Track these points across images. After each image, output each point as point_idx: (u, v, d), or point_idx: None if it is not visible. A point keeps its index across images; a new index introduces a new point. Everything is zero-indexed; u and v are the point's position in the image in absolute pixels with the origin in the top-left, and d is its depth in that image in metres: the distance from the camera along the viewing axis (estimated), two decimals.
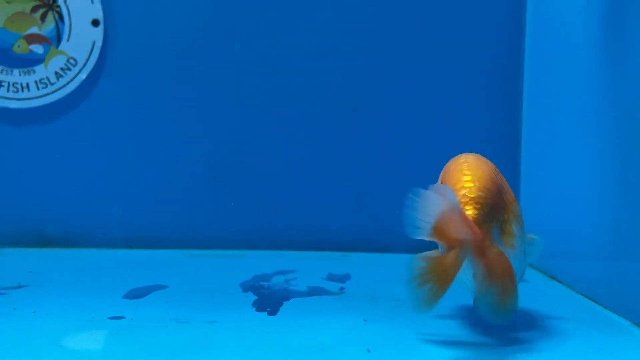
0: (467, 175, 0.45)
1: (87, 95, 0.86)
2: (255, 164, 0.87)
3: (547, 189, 0.74)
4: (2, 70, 0.83)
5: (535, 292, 0.63)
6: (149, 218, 0.87)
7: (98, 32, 0.84)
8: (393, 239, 0.86)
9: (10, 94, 0.84)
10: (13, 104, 0.84)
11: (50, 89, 0.84)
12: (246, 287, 0.62)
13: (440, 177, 0.51)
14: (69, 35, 0.84)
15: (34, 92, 0.84)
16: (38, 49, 0.84)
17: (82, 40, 0.84)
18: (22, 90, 0.84)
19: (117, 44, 0.86)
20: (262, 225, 0.87)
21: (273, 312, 0.53)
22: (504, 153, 0.85)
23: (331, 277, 0.67)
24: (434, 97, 0.86)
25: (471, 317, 0.53)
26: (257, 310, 0.53)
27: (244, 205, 0.87)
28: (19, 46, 0.84)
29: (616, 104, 0.56)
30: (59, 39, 0.84)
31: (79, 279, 0.65)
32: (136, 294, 0.58)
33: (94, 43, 0.85)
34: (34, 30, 0.84)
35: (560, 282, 0.67)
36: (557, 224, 0.68)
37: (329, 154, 0.86)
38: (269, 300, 0.57)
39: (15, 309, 0.52)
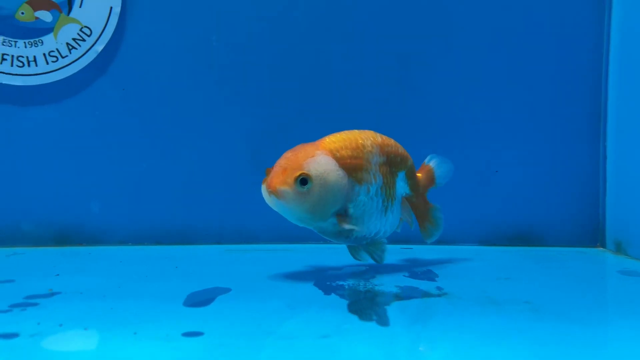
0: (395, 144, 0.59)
1: (103, 70, 0.74)
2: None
3: None
4: (4, 41, 0.71)
5: None
6: (180, 210, 0.75)
7: None
8: (456, 230, 0.77)
9: (14, 69, 0.72)
10: (17, 81, 0.72)
11: (60, 63, 0.72)
12: (324, 287, 0.51)
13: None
14: None
15: (42, 66, 0.72)
16: (46, 16, 0.72)
17: (98, 6, 0.72)
18: (29, 64, 0.72)
19: (138, 10, 0.74)
20: None
21: (387, 321, 0.42)
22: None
23: (415, 275, 0.57)
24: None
25: None
26: (380, 321, 0.43)
27: None
28: (22, 13, 0.72)
29: None
30: (70, 4, 0.72)
31: (123, 284, 0.53)
32: (199, 299, 0.47)
33: (111, 9, 0.73)
34: None
35: None
36: None
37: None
38: (367, 305, 0.46)
39: (61, 325, 0.42)
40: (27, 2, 0.71)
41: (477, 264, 0.62)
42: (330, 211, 0.52)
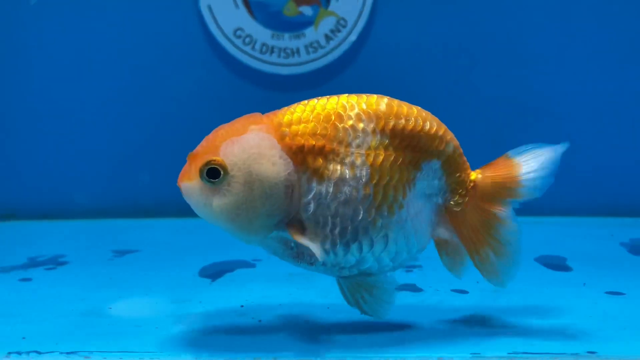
0: None
1: (353, 59, 0.80)
2: None
3: None
4: (273, 35, 0.79)
5: None
6: None
7: None
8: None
9: (281, 60, 0.80)
10: (284, 70, 0.80)
11: (320, 52, 0.79)
12: None
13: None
14: None
15: (303, 56, 0.80)
16: (307, 10, 0.79)
17: None
18: (292, 55, 0.80)
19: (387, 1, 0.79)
20: None
21: None
22: None
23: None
24: None
25: None
26: None
27: None
28: (288, 9, 0.79)
29: None
30: None
31: None
32: None
33: (365, 1, 0.79)
34: None
35: None
36: None
37: None
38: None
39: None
40: None
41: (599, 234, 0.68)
42: (267, 220, 0.35)
